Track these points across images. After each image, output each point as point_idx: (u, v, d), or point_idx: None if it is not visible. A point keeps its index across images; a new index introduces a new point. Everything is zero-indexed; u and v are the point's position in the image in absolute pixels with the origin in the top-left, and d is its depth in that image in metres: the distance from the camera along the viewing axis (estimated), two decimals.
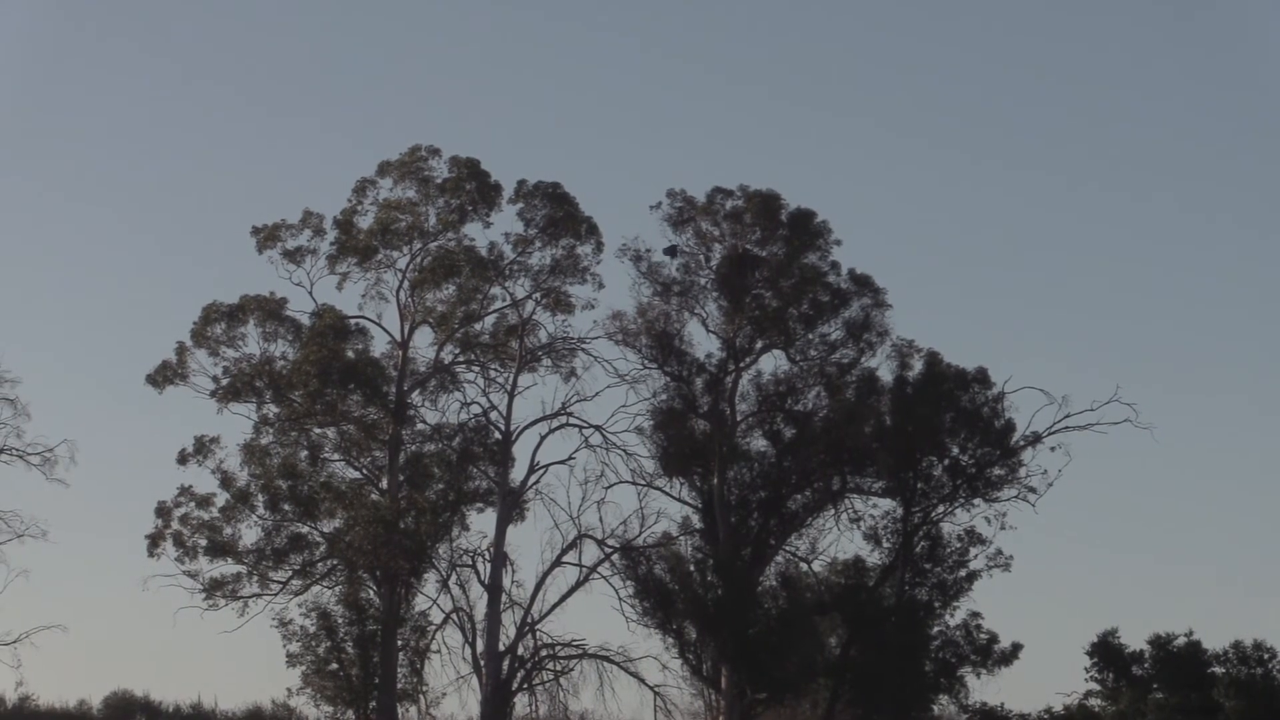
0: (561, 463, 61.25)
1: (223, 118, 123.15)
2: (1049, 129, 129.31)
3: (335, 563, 60.54)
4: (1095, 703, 65.53)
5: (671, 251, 61.79)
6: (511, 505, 60.89)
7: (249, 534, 60.94)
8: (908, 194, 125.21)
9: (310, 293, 61.88)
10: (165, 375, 61.38)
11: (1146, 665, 65.48)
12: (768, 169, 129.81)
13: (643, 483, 61.08)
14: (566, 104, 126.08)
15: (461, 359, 62.58)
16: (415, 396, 61.83)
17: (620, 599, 60.31)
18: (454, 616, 60.21)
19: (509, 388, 61.75)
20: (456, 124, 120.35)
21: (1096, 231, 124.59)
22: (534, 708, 59.97)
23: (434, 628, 60.62)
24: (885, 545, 62.69)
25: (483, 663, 59.34)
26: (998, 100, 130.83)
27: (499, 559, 59.97)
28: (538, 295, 62.28)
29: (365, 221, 62.39)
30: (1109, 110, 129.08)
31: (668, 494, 61.43)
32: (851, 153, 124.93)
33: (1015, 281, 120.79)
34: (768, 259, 61.72)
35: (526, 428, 61.37)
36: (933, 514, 62.43)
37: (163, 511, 60.84)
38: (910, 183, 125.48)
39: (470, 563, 60.50)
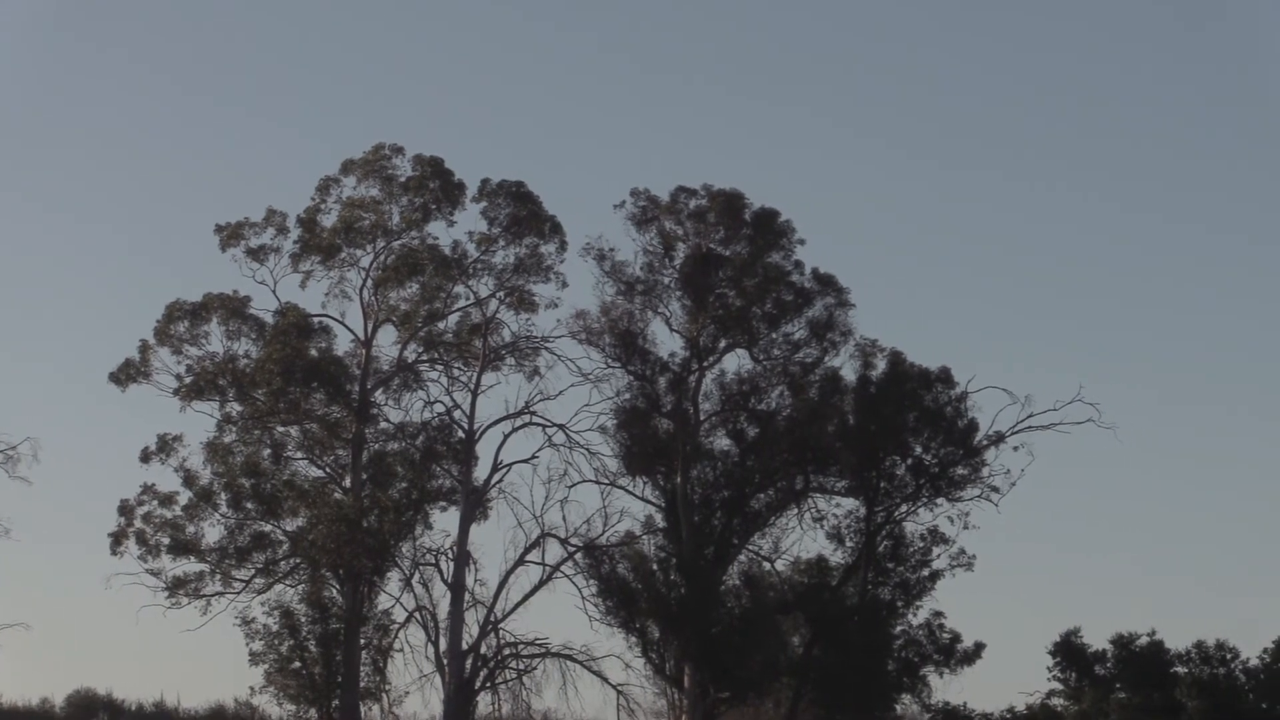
0: (525, 461, 61.24)
1: (186, 116, 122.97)
2: (1012, 129, 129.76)
3: (298, 561, 60.42)
4: (1058, 702, 65.57)
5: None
6: (475, 504, 60.69)
7: (212, 532, 61.07)
8: (872, 194, 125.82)
9: (274, 291, 62.00)
10: (128, 373, 61.17)
11: (1109, 665, 65.53)
12: (731, 168, 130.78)
13: (606, 482, 61.20)
14: (530, 103, 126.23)
15: (425, 358, 62.41)
16: (378, 395, 61.73)
17: (583, 598, 60.50)
18: (417, 615, 60.08)
19: (472, 386, 61.84)
20: (420, 122, 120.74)
21: (1061, 232, 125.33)
22: (497, 706, 59.85)
23: (397, 626, 60.63)
24: (848, 544, 62.68)
25: (445, 661, 59.20)
26: (960, 100, 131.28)
27: (462, 558, 59.84)
28: (501, 294, 62.31)
29: (329, 220, 62.24)
30: (1070, 110, 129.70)
31: (631, 493, 61.58)
32: (815, 152, 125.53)
33: (979, 281, 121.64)
34: (731, 258, 61.75)
35: (490, 426, 61.52)
36: (896, 513, 62.46)
37: (125, 510, 60.65)
38: (874, 183, 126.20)
39: (433, 561, 60.48)
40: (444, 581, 60.05)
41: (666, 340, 61.93)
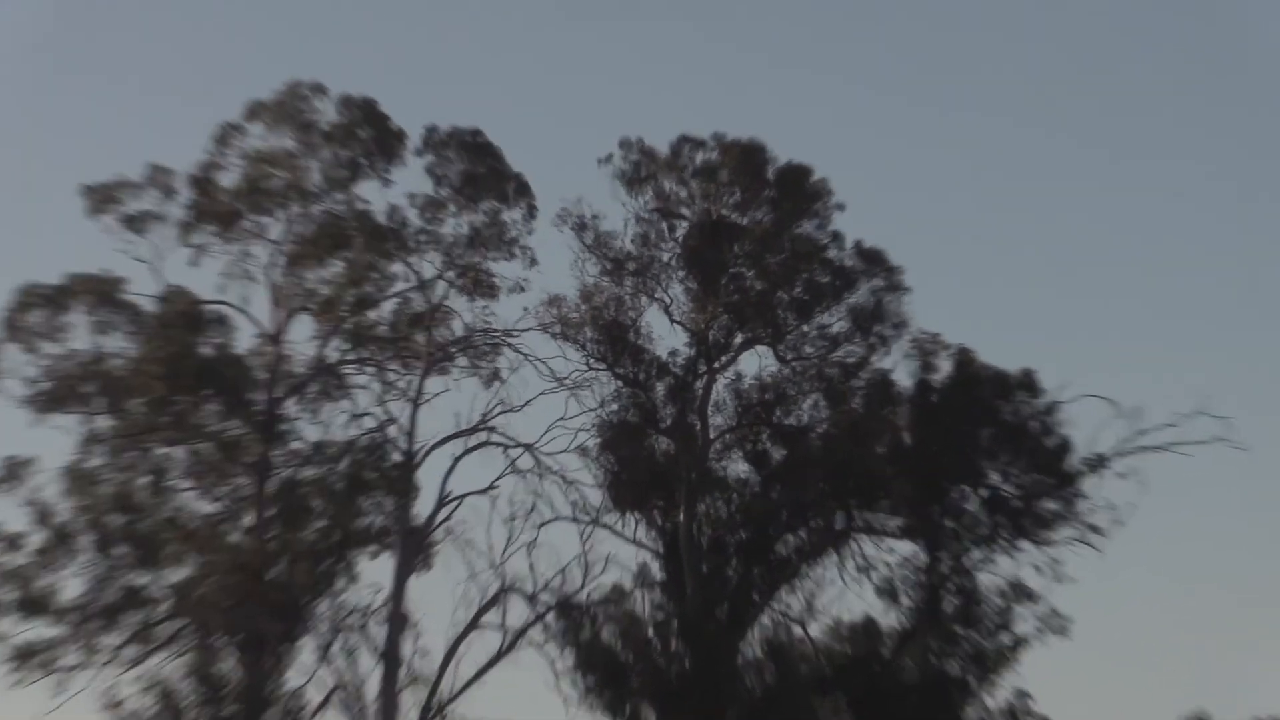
0: (481, 493, 54.59)
1: (49, 56, 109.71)
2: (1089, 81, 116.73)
3: (183, 624, 53.35)
4: None
5: None
6: (415, 549, 54.08)
7: (71, 586, 53.48)
8: (928, 152, 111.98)
9: (157, 271, 54.58)
10: None
11: None
12: (748, 115, 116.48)
13: (586, 519, 55.39)
14: (488, 34, 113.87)
15: (352, 356, 56.16)
16: (290, 405, 55.01)
17: (556, 673, 54.07)
18: (338, 695, 53.35)
19: (413, 394, 55.30)
20: (348, 57, 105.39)
21: (1173, 207, 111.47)
22: None
23: (311, 710, 53.49)
24: (904, 603, 55.79)
25: None
26: (1040, 50, 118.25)
27: (397, 620, 53.24)
28: (452, 274, 55.88)
29: (229, 179, 55.30)
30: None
31: (619, 534, 55.69)
32: (855, 102, 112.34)
33: (1067, 261, 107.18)
34: (750, 228, 56.26)
35: (435, 447, 54.67)
36: (966, 561, 55.62)
37: None
38: (931, 140, 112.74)
39: (360, 625, 53.78)
40: (373, 651, 53.26)
41: (666, 334, 56.69)
